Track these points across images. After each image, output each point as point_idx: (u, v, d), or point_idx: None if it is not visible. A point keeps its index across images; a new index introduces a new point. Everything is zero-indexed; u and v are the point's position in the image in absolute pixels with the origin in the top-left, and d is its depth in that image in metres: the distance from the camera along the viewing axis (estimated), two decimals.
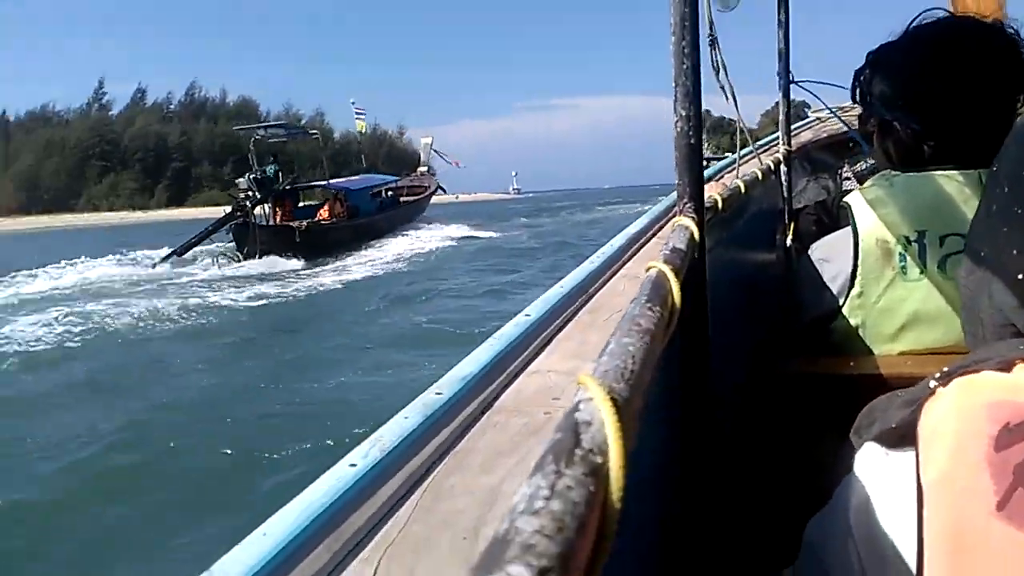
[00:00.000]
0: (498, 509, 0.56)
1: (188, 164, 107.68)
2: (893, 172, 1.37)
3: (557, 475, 0.25)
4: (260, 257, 16.12)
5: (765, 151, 2.45)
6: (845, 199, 1.42)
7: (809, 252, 1.53)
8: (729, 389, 1.31)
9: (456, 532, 0.54)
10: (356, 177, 23.47)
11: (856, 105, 1.50)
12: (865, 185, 1.41)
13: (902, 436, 0.55)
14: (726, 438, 1.15)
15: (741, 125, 1.58)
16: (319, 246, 16.74)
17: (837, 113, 2.51)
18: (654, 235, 1.36)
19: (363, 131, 29.86)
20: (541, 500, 0.24)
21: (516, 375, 0.80)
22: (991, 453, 0.48)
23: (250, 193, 17.31)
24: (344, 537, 0.53)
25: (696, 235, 0.82)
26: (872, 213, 1.33)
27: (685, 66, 0.83)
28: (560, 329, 0.93)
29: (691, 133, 0.86)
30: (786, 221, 2.12)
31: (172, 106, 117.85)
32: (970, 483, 0.48)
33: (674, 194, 1.86)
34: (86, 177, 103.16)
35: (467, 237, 21.88)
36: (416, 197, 24.09)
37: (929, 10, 1.38)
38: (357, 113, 30.82)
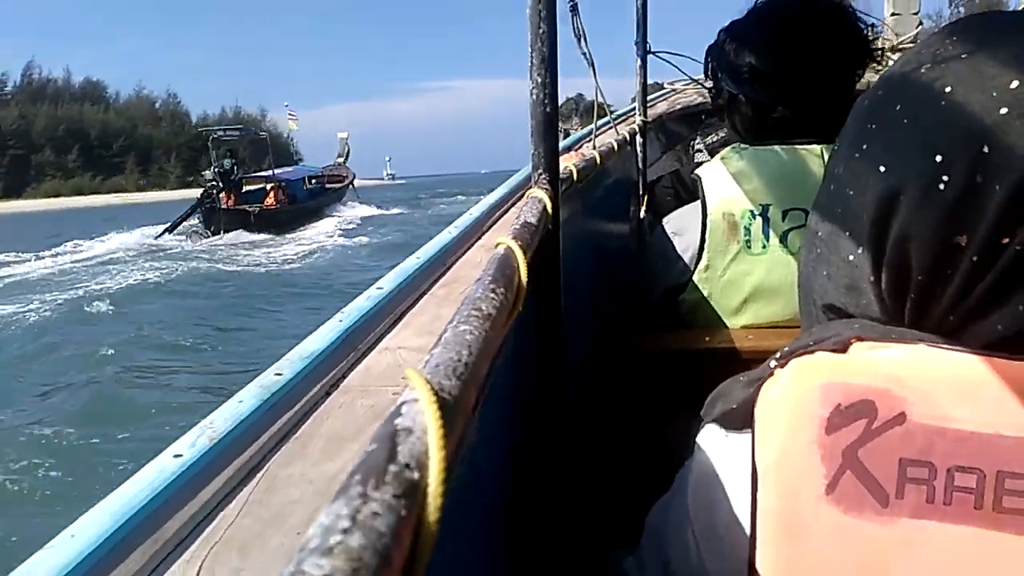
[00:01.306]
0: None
1: (27, 151, 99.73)
2: (742, 145, 1.40)
3: (363, 499, 0.21)
4: (223, 234, 20.76)
5: (622, 122, 2.48)
6: (696, 171, 1.44)
7: (663, 224, 1.55)
8: (581, 366, 1.31)
9: (290, 527, 0.50)
10: (290, 168, 28.65)
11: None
12: (716, 157, 1.44)
13: (741, 417, 0.55)
14: (577, 417, 1.15)
15: (599, 96, 1.59)
16: (270, 225, 21.54)
17: (699, 82, 2.56)
18: (513, 204, 1.34)
19: (293, 129, 36.11)
20: (338, 534, 0.20)
21: (365, 353, 0.76)
22: (822, 435, 0.48)
23: (215, 183, 22.28)
24: (165, 537, 0.48)
25: (549, 208, 0.80)
26: (720, 186, 1.36)
27: (542, 31, 0.81)
28: (414, 303, 0.90)
29: (547, 101, 0.84)
30: (640, 193, 2.15)
31: (7, 88, 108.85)
32: (801, 465, 0.48)
33: (529, 166, 1.87)
34: None
35: (376, 215, 28.36)
36: (338, 185, 28.56)
37: None
38: (290, 115, 37.32)
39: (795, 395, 0.50)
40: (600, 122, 1.69)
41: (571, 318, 0.96)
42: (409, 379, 0.30)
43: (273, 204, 23.06)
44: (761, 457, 0.50)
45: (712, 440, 0.58)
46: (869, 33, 1.38)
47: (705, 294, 1.39)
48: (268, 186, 24.02)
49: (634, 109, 2.47)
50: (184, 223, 22.18)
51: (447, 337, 0.38)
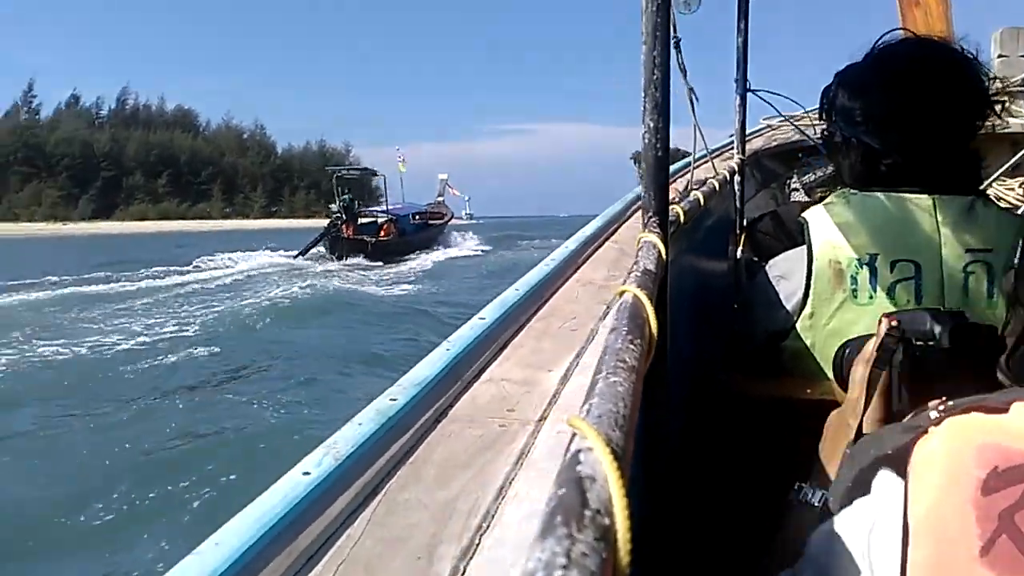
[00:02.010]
0: (453, 527, 0.55)
1: (118, 174, 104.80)
2: (851, 191, 1.38)
3: (571, 540, 0.25)
4: (346, 259, 24.86)
5: (718, 155, 2.48)
6: (803, 214, 1.42)
7: (767, 268, 1.53)
8: (680, 407, 1.31)
9: (410, 550, 0.53)
10: (400, 205, 32.21)
11: (806, 115, 1.52)
12: (825, 202, 1.42)
13: (896, 463, 0.55)
14: (674, 457, 1.16)
15: (698, 128, 1.60)
16: (383, 254, 25.65)
17: (794, 123, 2.54)
18: (606, 239, 1.37)
19: (402, 171, 38.00)
20: (559, 570, 0.23)
21: (471, 382, 0.80)
22: (978, 496, 0.47)
23: (340, 215, 26.78)
24: (298, 550, 0.51)
25: (663, 252, 0.82)
26: (827, 232, 1.35)
27: (656, 76, 0.83)
28: (514, 335, 0.93)
29: (658, 145, 0.85)
30: (738, 232, 2.14)
31: (103, 111, 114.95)
32: (956, 524, 0.48)
33: (620, 201, 1.89)
34: (6, 184, 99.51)
35: (482, 251, 32.05)
36: (439, 222, 32.60)
37: (894, 30, 1.41)
38: (400, 158, 39.49)
39: (952, 453, 0.50)
40: (698, 155, 1.70)
41: (672, 357, 0.98)
42: (579, 428, 0.34)
43: (386, 236, 27.42)
44: (914, 510, 0.50)
45: (878, 482, 0.58)
46: (992, 85, 1.35)
47: (808, 343, 1.37)
48: (380, 220, 28.39)
49: (727, 144, 2.47)
50: (313, 249, 26.53)
51: (601, 388, 0.41)
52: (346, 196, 27.65)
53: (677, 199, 1.43)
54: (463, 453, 0.66)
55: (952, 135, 1.31)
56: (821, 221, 1.36)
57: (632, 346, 0.50)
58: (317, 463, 0.57)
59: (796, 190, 3.60)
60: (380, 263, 24.42)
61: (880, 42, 1.40)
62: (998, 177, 3.53)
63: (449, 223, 33.92)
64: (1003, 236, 1.27)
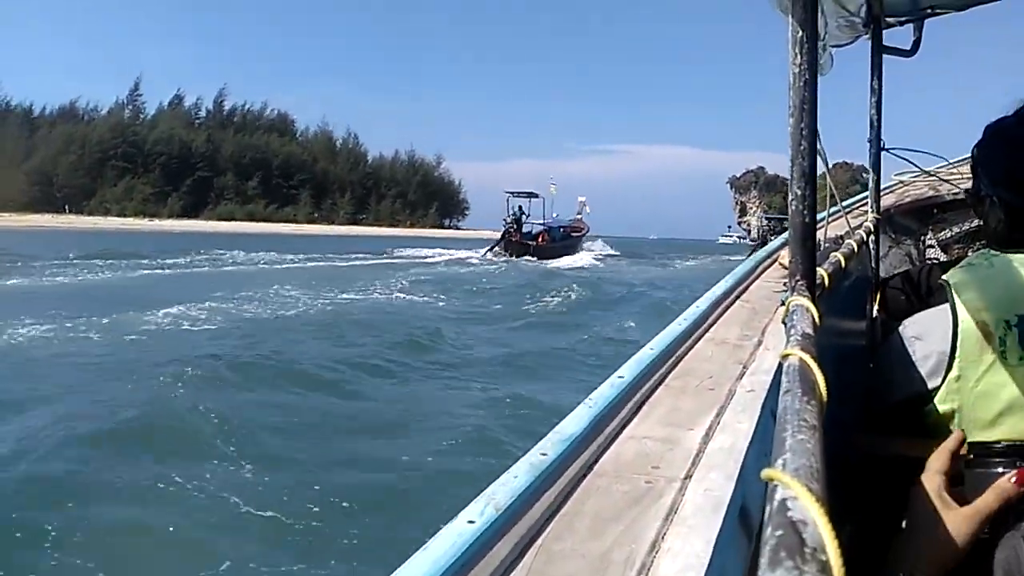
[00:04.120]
0: None
1: (211, 174, 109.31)
2: (992, 251, 1.38)
3: (799, 571, 0.29)
4: (516, 257, 37.84)
5: (849, 212, 2.48)
6: (944, 276, 1.42)
7: (901, 329, 1.54)
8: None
9: None
10: (550, 219, 45.32)
11: (940, 169, 1.54)
12: (965, 263, 1.43)
13: None
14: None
15: (831, 186, 1.62)
16: (541, 256, 38.38)
17: (931, 178, 2.52)
18: (736, 298, 1.40)
19: (553, 192, 50.71)
20: None
21: (613, 438, 0.84)
22: None
23: (512, 225, 41.15)
24: None
25: (815, 317, 0.85)
26: (972, 292, 1.35)
27: (803, 147, 0.88)
28: (652, 392, 0.97)
29: (806, 212, 0.89)
30: (873, 292, 2.14)
31: (201, 113, 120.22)
32: None
33: (752, 256, 1.92)
34: (104, 178, 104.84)
35: (608, 254, 47.66)
36: (578, 234, 46.70)
37: None
38: (552, 184, 51.05)
39: None
40: (832, 210, 1.72)
41: None
42: (780, 480, 0.39)
43: (542, 243, 40.89)
44: None
45: None
46: None
47: (955, 405, 1.37)
48: (536, 230, 42.33)
49: (859, 202, 2.47)
50: (495, 248, 40.70)
51: (792, 444, 0.46)
52: (516, 210, 42.34)
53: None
54: (612, 507, 0.69)
55: None
56: (965, 281, 1.36)
57: (810, 407, 0.54)
58: (480, 512, 0.62)
59: (931, 247, 3.52)
60: (539, 260, 37.08)
61: None
62: None
63: (586, 235, 48.49)
64: None
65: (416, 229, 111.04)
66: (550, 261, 36.43)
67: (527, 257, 37.78)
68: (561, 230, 44.26)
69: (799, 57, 0.86)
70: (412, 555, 0.56)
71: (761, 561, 0.30)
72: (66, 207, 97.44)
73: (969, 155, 1.50)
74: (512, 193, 45.24)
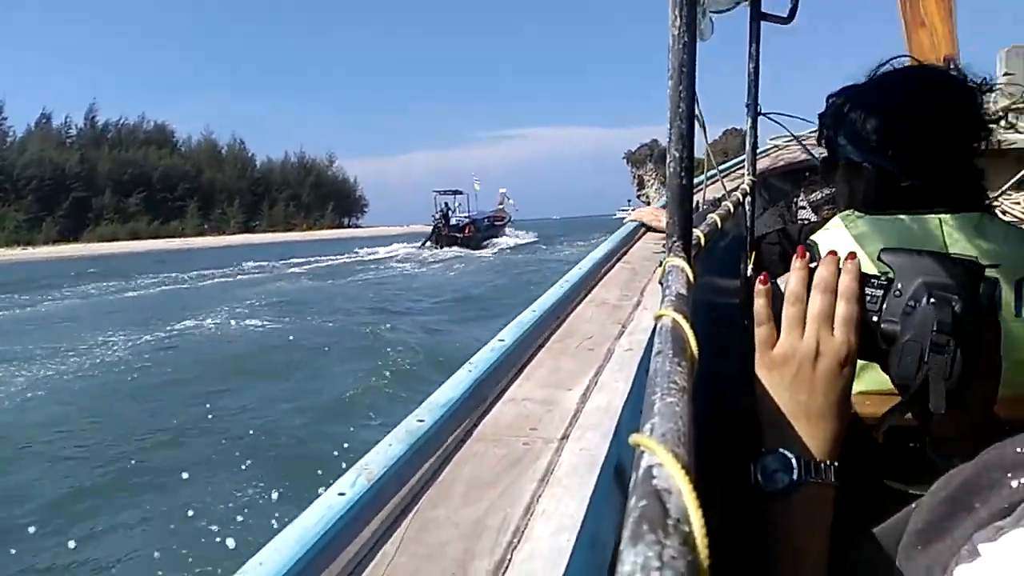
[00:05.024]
0: (484, 542, 0.59)
1: (89, 194, 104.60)
2: (856, 213, 1.42)
3: (660, 546, 0.29)
4: (443, 247, 43.29)
5: (726, 175, 2.55)
6: (812, 237, 1.46)
7: (778, 283, 1.58)
8: (702, 422, 1.35)
9: (444, 567, 0.56)
10: (475, 213, 52.38)
11: (812, 134, 1.57)
12: (830, 225, 1.46)
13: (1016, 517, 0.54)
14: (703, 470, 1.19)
15: (708, 150, 1.66)
16: (467, 245, 44.06)
17: (803, 143, 2.62)
18: (617, 260, 1.41)
19: (477, 189, 59.19)
20: (655, 571, 0.27)
21: (493, 402, 0.84)
22: None
23: (440, 220, 46.43)
24: (337, 568, 0.55)
25: (691, 276, 0.87)
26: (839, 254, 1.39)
27: (680, 110, 0.89)
28: (534, 355, 0.97)
29: (683, 174, 0.91)
30: (747, 251, 2.20)
31: (72, 131, 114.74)
32: None
33: (628, 223, 1.95)
34: None
35: (523, 242, 50.77)
36: (500, 223, 53.08)
37: (895, 58, 1.47)
38: (476, 180, 60.15)
39: None
40: (708, 173, 1.76)
41: None
42: (647, 446, 0.38)
43: (469, 234, 45.83)
44: None
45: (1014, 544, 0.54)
46: (996, 103, 1.42)
47: None
48: (462, 223, 47.35)
49: (735, 165, 2.54)
50: (428, 242, 45.88)
51: (660, 408, 0.45)
52: (443, 207, 48.67)
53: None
54: (490, 472, 0.69)
55: (954, 159, 1.37)
56: (832, 244, 1.40)
57: (680, 368, 0.54)
58: (351, 483, 0.61)
59: (803, 208, 3.68)
60: (467, 249, 42.56)
61: (882, 67, 1.45)
62: (1004, 192, 3.62)
63: (508, 223, 54.96)
64: (1011, 250, 1.31)
65: (314, 231, 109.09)
66: (477, 249, 43.35)
67: (455, 248, 43.40)
68: (485, 221, 50.74)
69: (678, 20, 0.86)
70: (280, 531, 0.55)
71: (624, 535, 0.30)
72: None
73: (818, 125, 1.54)
74: (439, 192, 52.66)
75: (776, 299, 1.55)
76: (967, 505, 0.61)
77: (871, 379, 1.38)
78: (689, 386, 0.52)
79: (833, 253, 1.00)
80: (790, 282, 0.97)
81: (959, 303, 0.91)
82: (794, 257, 1.00)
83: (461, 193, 55.00)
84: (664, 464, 0.36)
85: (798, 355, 0.93)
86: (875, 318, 0.96)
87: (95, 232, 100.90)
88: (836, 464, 0.90)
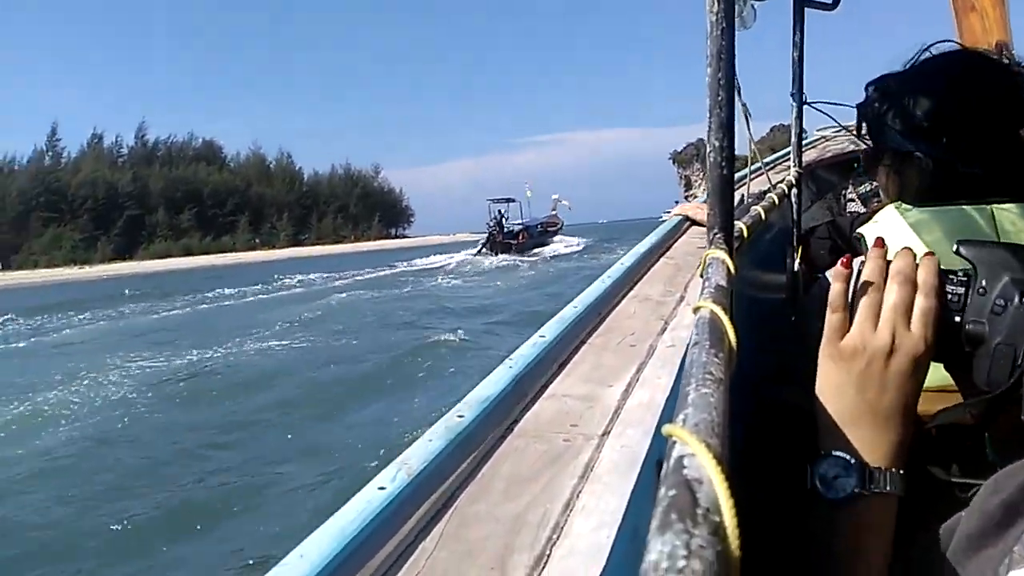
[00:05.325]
0: (523, 538, 0.58)
1: (142, 212, 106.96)
2: (904, 205, 1.38)
3: (688, 535, 0.28)
4: (498, 254, 44.43)
5: (771, 168, 2.52)
6: (859, 230, 1.42)
7: (822, 280, 1.55)
8: (740, 415, 1.33)
9: (483, 562, 0.56)
10: (528, 219, 53.78)
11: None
12: (877, 217, 1.42)
13: None
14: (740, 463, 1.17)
15: (752, 142, 1.64)
16: (521, 251, 45.81)
17: (854, 134, 2.56)
18: (661, 255, 1.40)
19: (529, 195, 60.48)
20: (682, 560, 0.27)
21: (534, 399, 0.84)
22: None
23: (495, 227, 48.48)
24: (376, 563, 0.55)
25: (731, 268, 0.85)
26: (892, 246, 1.35)
27: (720, 98, 0.86)
28: (575, 351, 0.97)
29: (723, 164, 0.88)
30: (794, 244, 2.17)
31: (123, 150, 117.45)
32: None
33: (671, 217, 1.93)
34: (29, 230, 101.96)
35: (578, 244, 52.94)
36: (553, 229, 55.25)
37: (938, 42, 1.41)
38: (527, 187, 61.78)
39: None
40: (753, 167, 1.74)
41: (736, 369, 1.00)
42: (679, 436, 0.37)
43: (522, 240, 47.71)
44: None
45: None
46: None
47: None
48: (516, 229, 49.26)
49: (781, 157, 2.50)
50: (483, 248, 47.12)
51: (694, 399, 0.45)
52: (498, 214, 50.49)
53: (735, 213, 1.47)
54: (530, 468, 0.69)
55: (1005, 147, 1.32)
56: (887, 233, 1.36)
57: (716, 359, 0.53)
58: (391, 478, 0.61)
59: (852, 200, 3.62)
60: (522, 255, 44.03)
61: (924, 53, 1.41)
62: None
63: (560, 230, 56.96)
64: None
65: (362, 243, 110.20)
66: (531, 254, 45.31)
67: (508, 255, 44.87)
68: (538, 227, 53.15)
69: (716, 5, 0.84)
70: (319, 526, 0.55)
71: (652, 524, 0.29)
72: None
73: (857, 116, 1.50)
74: (492, 200, 54.42)
75: (819, 292, 1.53)
76: (1022, 511, 0.59)
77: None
78: (726, 377, 0.50)
79: (907, 249, 0.92)
80: (866, 270, 0.90)
81: None
82: (871, 247, 0.94)
83: (513, 201, 56.37)
84: (696, 454, 0.35)
85: (870, 348, 0.86)
86: (957, 317, 0.88)
87: (149, 250, 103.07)
88: (902, 472, 0.83)
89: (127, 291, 38.64)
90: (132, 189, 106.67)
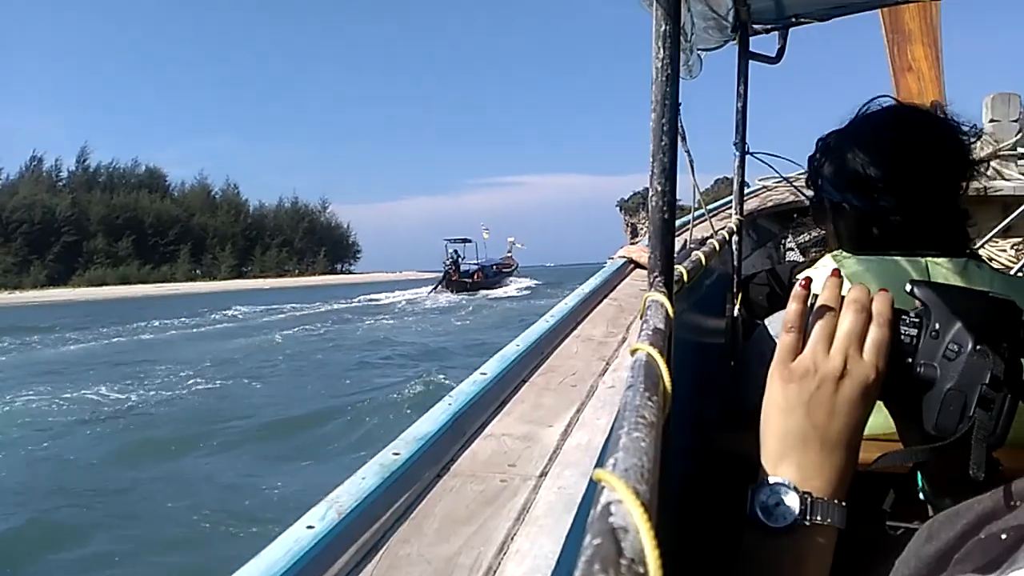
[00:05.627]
0: None
1: (79, 238, 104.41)
2: (844, 253, 1.42)
3: None
4: (455, 292, 46.55)
5: (714, 215, 2.56)
6: (798, 277, 1.45)
7: (766, 323, 1.57)
8: (674, 461, 1.33)
9: None
10: (483, 260, 55.56)
11: (800, 176, 1.57)
12: (818, 264, 1.46)
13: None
14: (677, 509, 1.17)
15: (696, 188, 1.67)
16: (476, 289, 47.85)
17: (792, 183, 2.64)
18: (604, 297, 1.41)
19: (486, 237, 61.13)
20: None
21: (472, 437, 0.82)
22: None
23: (451, 266, 49.95)
24: None
25: (670, 312, 0.85)
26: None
27: (663, 143, 0.88)
28: (516, 390, 0.96)
29: (665, 208, 0.90)
30: (734, 290, 2.20)
31: (63, 174, 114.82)
32: None
33: (616, 259, 1.94)
34: None
35: (529, 286, 53.86)
36: (508, 269, 57.51)
37: (878, 97, 1.48)
38: (484, 229, 62.24)
39: None
40: (696, 213, 1.76)
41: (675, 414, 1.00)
42: (607, 481, 0.37)
43: (477, 279, 49.63)
44: None
45: None
46: (981, 148, 1.42)
47: None
48: (472, 268, 51.02)
49: (723, 204, 2.55)
50: (439, 286, 48.35)
51: (625, 443, 0.44)
52: (454, 253, 51.74)
53: (677, 258, 1.49)
54: (465, 508, 0.68)
55: (936, 200, 1.37)
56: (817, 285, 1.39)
57: (650, 403, 0.52)
58: (321, 517, 0.59)
59: (791, 249, 3.70)
60: (474, 293, 45.75)
61: (864, 109, 1.46)
62: (990, 239, 3.64)
63: (515, 271, 59.32)
64: None
65: (305, 277, 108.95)
66: (479, 295, 45.54)
67: (464, 292, 47.08)
68: (493, 267, 55.18)
69: (662, 51, 0.86)
70: (242, 566, 0.53)
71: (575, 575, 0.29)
72: None
73: (806, 169, 1.55)
74: (449, 240, 56.10)
75: (763, 339, 1.54)
76: (956, 560, 0.59)
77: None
78: (659, 421, 0.50)
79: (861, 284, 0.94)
80: (823, 295, 0.91)
81: (1007, 351, 0.81)
82: (827, 277, 0.95)
83: (470, 241, 57.63)
84: (624, 500, 0.34)
85: (822, 371, 0.85)
86: (909, 359, 0.86)
87: (84, 276, 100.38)
88: (845, 504, 0.82)
89: (51, 321, 36.63)
90: (70, 214, 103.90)
